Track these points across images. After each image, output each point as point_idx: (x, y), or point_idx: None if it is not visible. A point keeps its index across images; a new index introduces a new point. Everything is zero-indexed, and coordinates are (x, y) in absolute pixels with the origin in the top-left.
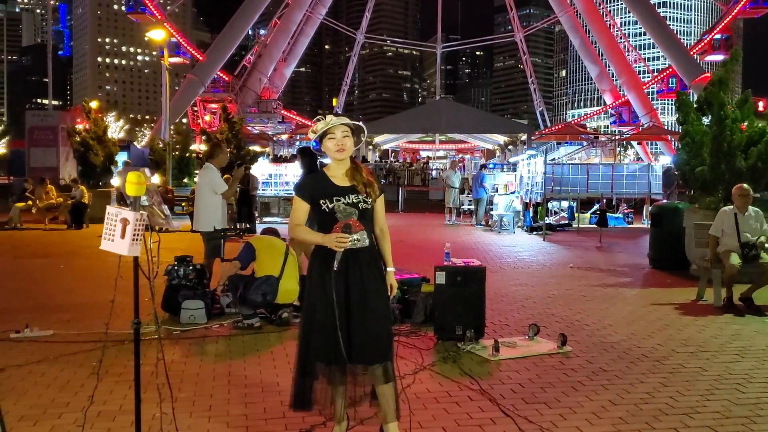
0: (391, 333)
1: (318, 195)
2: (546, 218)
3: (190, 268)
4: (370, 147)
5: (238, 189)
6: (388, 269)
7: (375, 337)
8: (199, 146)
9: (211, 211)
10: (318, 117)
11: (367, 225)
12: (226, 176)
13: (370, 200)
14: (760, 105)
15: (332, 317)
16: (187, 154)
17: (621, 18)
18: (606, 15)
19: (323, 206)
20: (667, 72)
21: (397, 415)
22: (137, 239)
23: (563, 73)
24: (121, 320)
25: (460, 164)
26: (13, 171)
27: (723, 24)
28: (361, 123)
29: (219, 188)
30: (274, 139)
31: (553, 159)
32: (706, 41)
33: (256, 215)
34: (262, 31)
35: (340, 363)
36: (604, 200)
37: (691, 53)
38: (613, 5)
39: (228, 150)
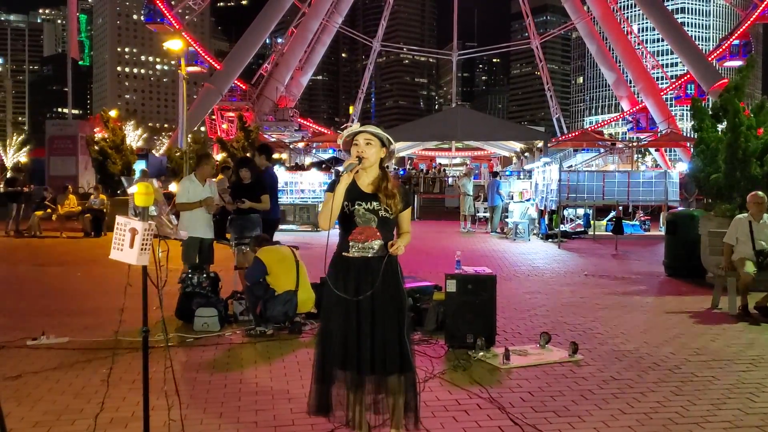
0: (404, 343)
1: (344, 197)
2: (561, 226)
3: (204, 276)
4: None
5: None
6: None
7: (385, 347)
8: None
9: (185, 218)
10: (345, 126)
11: (386, 235)
12: (220, 176)
13: (391, 211)
14: None
15: (347, 325)
16: None
17: (638, 24)
18: (623, 21)
19: (345, 208)
20: (685, 78)
21: (415, 426)
22: (146, 249)
23: (580, 79)
24: (135, 328)
25: (476, 171)
26: (33, 179)
27: (741, 29)
28: (383, 131)
29: (177, 197)
30: (291, 147)
31: (570, 166)
32: (724, 47)
33: None
34: (279, 40)
35: (355, 370)
36: (620, 208)
37: (709, 59)
38: (630, 12)
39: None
